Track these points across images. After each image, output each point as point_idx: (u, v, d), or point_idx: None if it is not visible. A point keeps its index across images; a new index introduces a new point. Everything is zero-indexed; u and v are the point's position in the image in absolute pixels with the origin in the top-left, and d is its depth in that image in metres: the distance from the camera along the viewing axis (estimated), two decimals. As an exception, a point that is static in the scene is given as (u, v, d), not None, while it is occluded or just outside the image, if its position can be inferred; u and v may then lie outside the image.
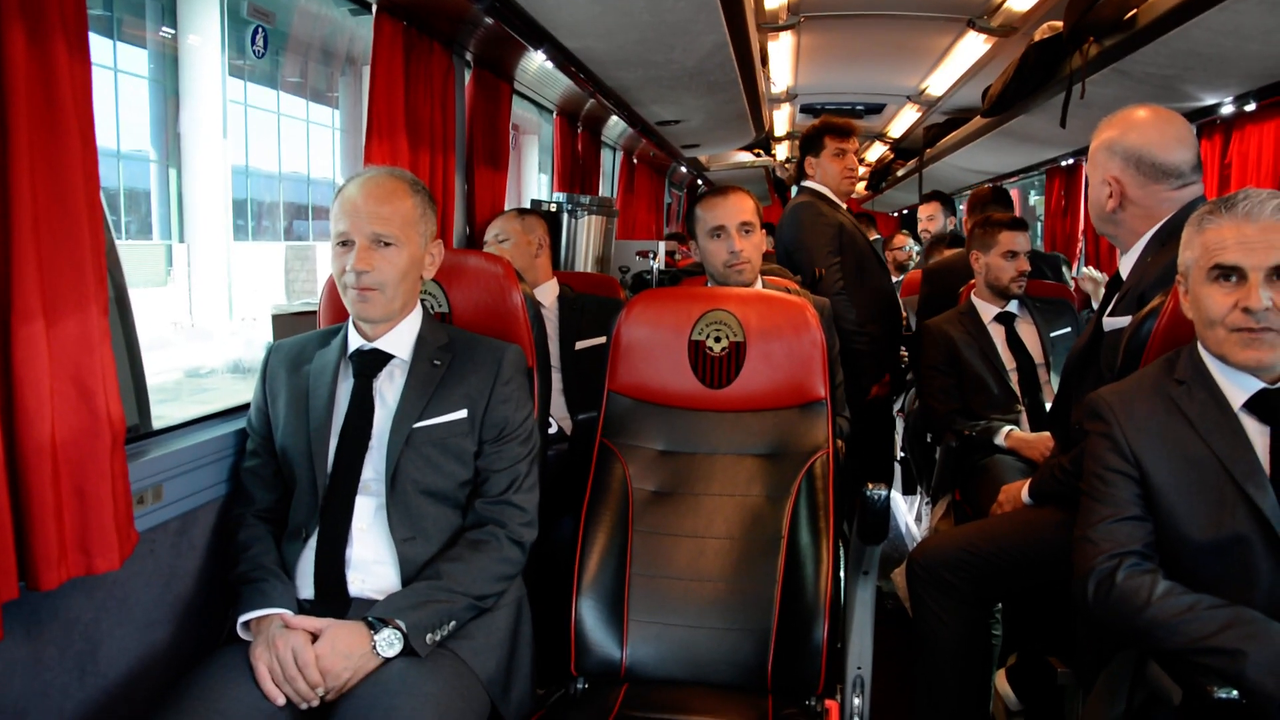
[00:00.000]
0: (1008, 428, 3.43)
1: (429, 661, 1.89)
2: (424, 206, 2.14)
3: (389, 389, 2.13)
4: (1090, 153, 2.48)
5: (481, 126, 3.87)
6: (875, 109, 7.59)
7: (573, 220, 4.66)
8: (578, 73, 3.74)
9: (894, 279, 6.68)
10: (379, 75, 3.00)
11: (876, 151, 9.88)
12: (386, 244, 2.06)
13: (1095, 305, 3.81)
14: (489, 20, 3.03)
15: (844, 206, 4.17)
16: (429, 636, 1.91)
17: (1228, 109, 3.83)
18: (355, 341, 2.16)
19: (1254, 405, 1.85)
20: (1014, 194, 8.15)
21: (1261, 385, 1.85)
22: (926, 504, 4.62)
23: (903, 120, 7.83)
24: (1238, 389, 1.87)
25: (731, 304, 2.46)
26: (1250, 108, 3.76)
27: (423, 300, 2.28)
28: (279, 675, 1.82)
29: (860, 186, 12.23)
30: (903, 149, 8.76)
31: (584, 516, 2.33)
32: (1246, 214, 1.83)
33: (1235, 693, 1.63)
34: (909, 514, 5.46)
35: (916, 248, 7.35)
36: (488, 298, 2.41)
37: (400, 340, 2.15)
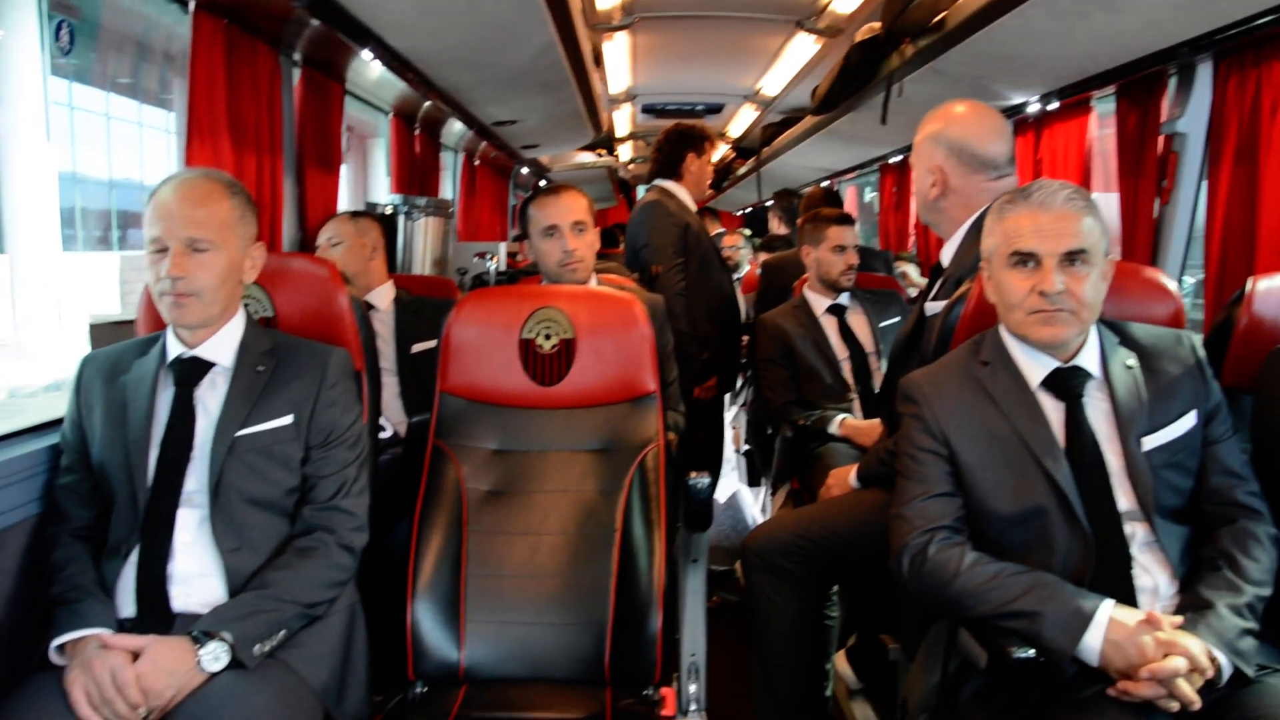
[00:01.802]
0: (841, 416, 3.55)
1: (258, 673, 1.84)
2: (242, 209, 2.08)
3: (211, 397, 2.07)
4: (915, 145, 2.59)
5: (312, 128, 3.80)
6: (715, 109, 7.74)
7: (409, 222, 4.61)
8: (408, 73, 3.71)
9: (735, 277, 6.83)
10: (198, 74, 2.92)
11: (718, 151, 10.06)
12: (202, 248, 1.99)
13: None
14: (314, 20, 2.97)
15: (694, 208, 4.26)
16: (257, 647, 1.86)
17: (1034, 107, 4.05)
18: (175, 349, 2.09)
19: (1050, 383, 1.97)
20: (850, 190, 8.43)
21: (1056, 364, 1.97)
22: (771, 495, 4.73)
23: (741, 120, 7.99)
24: (1036, 368, 1.98)
25: (561, 302, 2.48)
26: (1054, 107, 3.98)
27: (246, 305, 2.22)
28: (96, 698, 1.75)
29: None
30: (743, 148, 8.95)
31: (417, 519, 2.31)
32: (1041, 203, 1.94)
33: (1032, 651, 1.74)
34: (755, 505, 5.57)
35: (745, 248, 7.48)
36: (313, 301, 2.37)
37: (221, 347, 2.09)
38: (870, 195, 9.91)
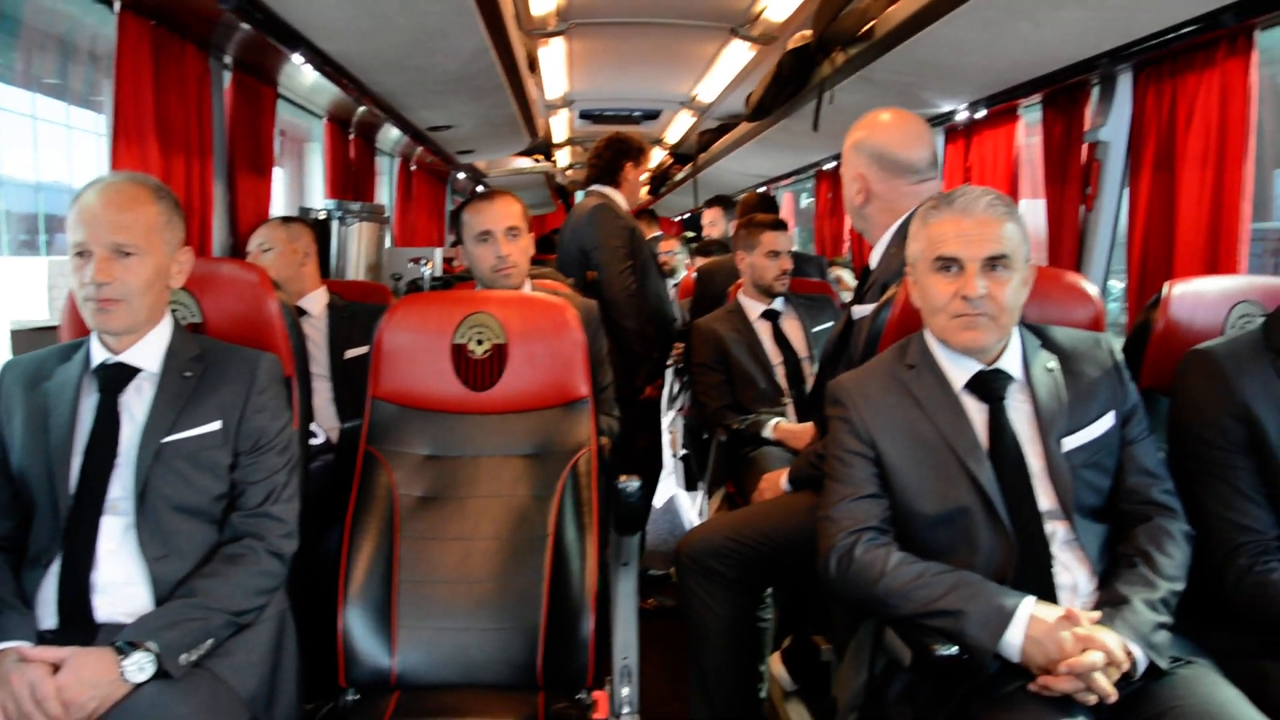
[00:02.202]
0: (775, 420, 3.58)
1: (184, 683, 1.82)
2: (169, 213, 2.05)
3: (137, 403, 2.04)
4: (843, 153, 2.63)
5: (244, 132, 3.76)
6: (652, 115, 7.76)
7: (343, 228, 4.57)
8: (341, 77, 3.68)
9: (670, 282, 6.85)
10: (124, 76, 2.87)
11: (656, 157, 10.09)
12: (128, 253, 1.96)
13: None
14: (242, 23, 2.94)
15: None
16: (183, 657, 1.83)
17: (963, 115, 4.12)
18: (99, 355, 2.06)
19: (973, 386, 2.01)
20: (787, 196, 8.50)
21: (979, 367, 2.01)
22: (707, 499, 4.76)
23: (678, 126, 8.03)
24: (959, 371, 2.02)
25: (492, 306, 2.48)
26: (982, 115, 4.06)
27: (173, 310, 2.20)
28: (14, 713, 1.71)
29: (643, 191, 12.49)
30: (680, 154, 8.99)
31: (349, 525, 2.29)
32: (963, 209, 1.98)
33: (955, 649, 1.77)
34: (692, 510, 5.60)
35: (682, 253, 7.51)
36: (242, 306, 2.34)
37: (148, 352, 2.06)
38: (807, 201, 10.01)
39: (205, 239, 3.39)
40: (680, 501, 5.91)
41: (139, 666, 1.78)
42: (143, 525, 1.95)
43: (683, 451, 5.41)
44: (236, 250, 3.71)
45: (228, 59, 3.53)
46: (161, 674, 1.80)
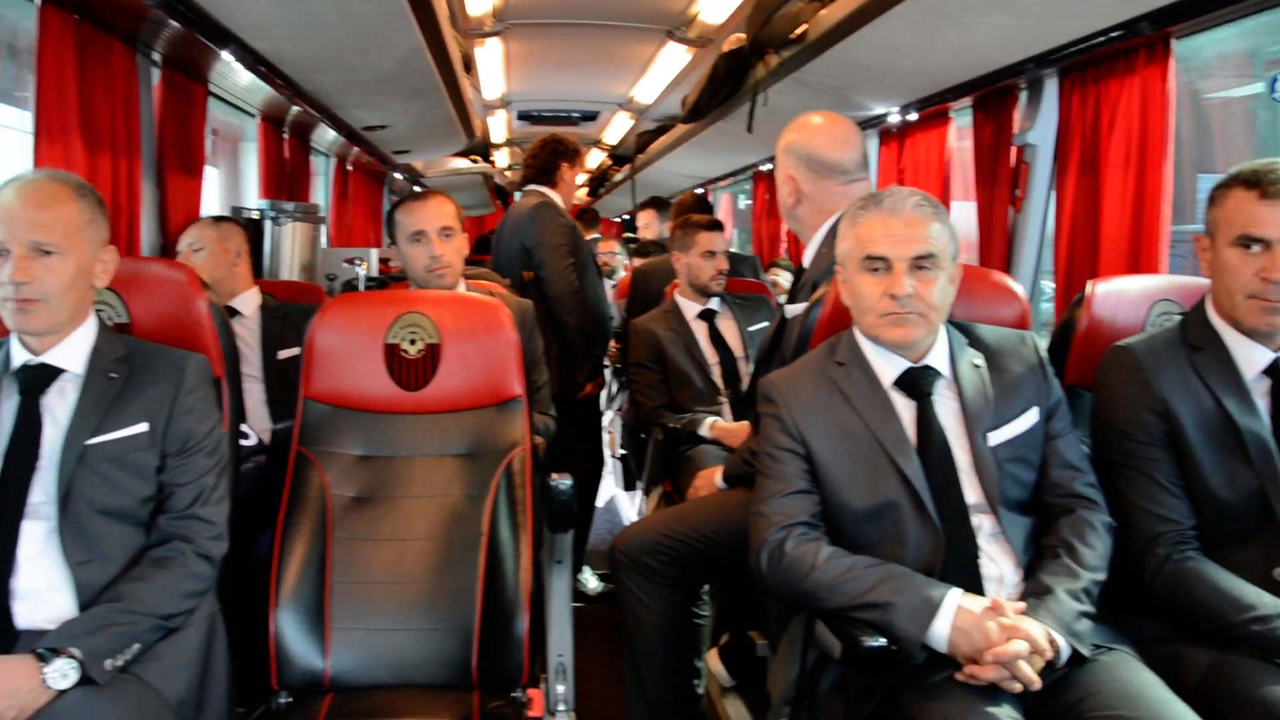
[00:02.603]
0: (711, 419, 3.61)
1: (110, 689, 1.78)
2: (91, 211, 2.01)
3: (60, 405, 2.00)
4: (776, 156, 2.67)
5: (173, 130, 3.70)
6: (590, 116, 7.76)
7: (276, 228, 4.52)
8: (272, 76, 3.63)
9: (609, 282, 6.87)
10: (46, 72, 2.81)
11: (596, 159, 10.09)
12: (48, 252, 1.92)
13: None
14: (170, 19, 2.89)
15: None
16: (108, 662, 1.80)
17: (896, 118, 4.18)
18: (20, 357, 2.01)
19: (901, 382, 2.04)
20: (725, 198, 8.55)
21: (908, 364, 2.05)
22: (645, 498, 4.78)
23: (617, 127, 8.04)
24: (888, 368, 2.05)
25: (426, 306, 2.47)
26: (914, 117, 4.12)
27: (99, 311, 2.16)
28: None
29: (583, 192, 12.50)
30: (619, 155, 9.00)
31: (280, 526, 2.27)
32: (891, 209, 2.01)
33: (882, 640, 1.80)
34: (631, 509, 5.62)
35: (621, 254, 7.54)
36: (170, 306, 2.31)
37: (71, 353, 2.02)
38: (745, 202, 10.08)
39: (133, 238, 3.33)
40: (620, 501, 5.93)
41: (61, 673, 1.75)
42: (65, 529, 1.91)
43: (621, 451, 5.42)
44: (166, 250, 3.65)
45: (156, 56, 3.47)
46: (86, 681, 1.77)
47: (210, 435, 2.11)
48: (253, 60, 3.39)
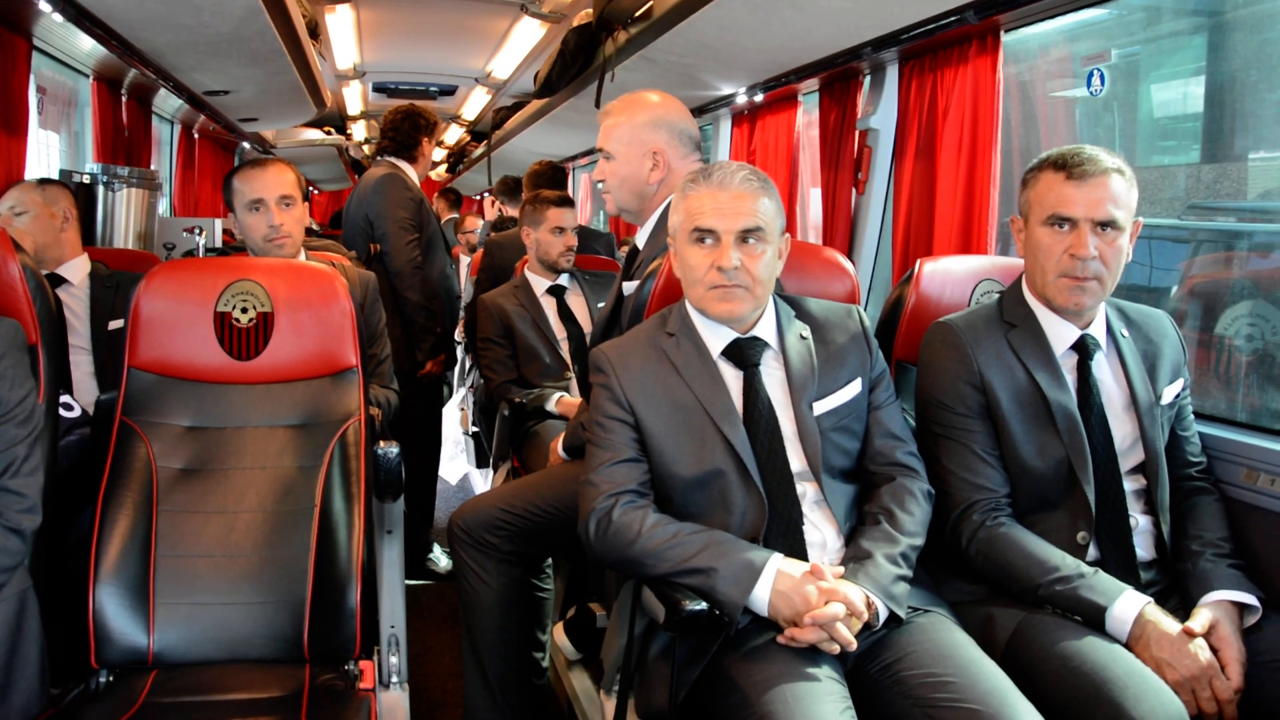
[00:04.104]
0: (558, 394, 3.62)
1: (-97, 668, 1.71)
2: None
3: None
4: (619, 132, 2.63)
5: (-9, 87, 3.50)
6: (448, 90, 7.64)
7: (110, 194, 4.32)
8: (99, 32, 3.46)
9: (465, 259, 6.80)
10: None
11: (454, 135, 9.96)
12: None
13: None
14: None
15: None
16: None
17: (743, 99, 4.24)
18: None
19: (729, 353, 2.09)
20: (584, 177, 8.54)
21: (735, 335, 2.09)
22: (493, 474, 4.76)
23: (474, 103, 7.95)
24: (717, 339, 2.10)
25: (259, 274, 2.40)
26: (760, 99, 4.19)
27: (-101, 275, 2.04)
28: None
29: (442, 169, 12.32)
30: (477, 132, 8.90)
31: (101, 499, 2.19)
32: (720, 183, 2.04)
33: (703, 605, 1.84)
34: (485, 486, 5.58)
35: (483, 231, 7.49)
36: None
37: None
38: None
39: (-50, 202, 3.15)
40: (473, 479, 5.89)
41: None
42: None
43: (474, 429, 5.39)
44: (-12, 214, 3.46)
45: (-29, 7, 3.28)
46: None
47: (22, 404, 2.01)
48: (75, 14, 3.22)
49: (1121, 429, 2.15)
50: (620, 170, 2.64)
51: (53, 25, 3.59)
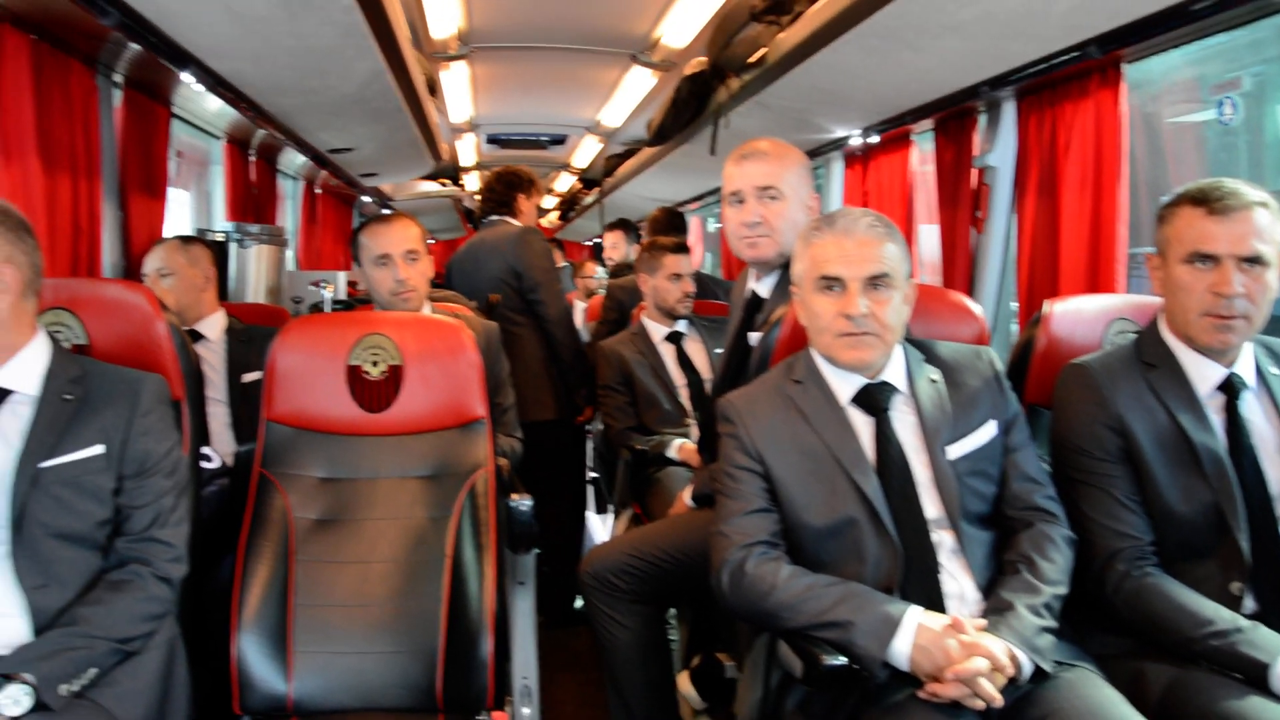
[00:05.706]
0: (679, 441, 3.60)
1: (64, 715, 1.77)
2: (13, 233, 1.95)
3: (12, 426, 1.97)
4: (791, 175, 2.57)
5: (135, 152, 3.67)
6: (558, 140, 7.78)
7: (242, 250, 4.50)
8: (234, 97, 3.62)
9: (580, 305, 6.88)
10: (5, 93, 2.78)
11: (565, 182, 10.11)
12: None
13: None
14: (130, 41, 2.88)
15: None
16: (63, 687, 1.78)
17: (857, 140, 4.21)
18: None
19: (859, 399, 2.05)
20: (695, 221, 8.58)
21: (865, 381, 2.06)
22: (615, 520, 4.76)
23: (585, 151, 8.06)
24: (845, 385, 2.07)
25: (388, 328, 2.46)
26: (875, 140, 4.16)
27: (56, 333, 2.15)
28: None
29: (554, 216, 12.51)
30: (588, 179, 9.02)
31: (242, 549, 2.26)
32: (845, 230, 2.03)
33: (843, 659, 1.80)
34: (604, 532, 5.59)
35: (603, 276, 7.56)
36: (129, 328, 2.30)
37: (22, 374, 1.99)
38: (715, 225, 10.12)
39: (94, 260, 3.30)
40: (592, 524, 5.90)
41: (14, 700, 1.73)
42: (20, 553, 1.89)
43: (592, 475, 5.41)
44: (129, 272, 3.63)
45: (118, 77, 3.46)
46: (41, 707, 1.75)
47: (168, 457, 2.09)
48: (213, 82, 3.38)
49: (1276, 472, 2.03)
50: (791, 213, 2.55)
51: (190, 93, 3.76)
